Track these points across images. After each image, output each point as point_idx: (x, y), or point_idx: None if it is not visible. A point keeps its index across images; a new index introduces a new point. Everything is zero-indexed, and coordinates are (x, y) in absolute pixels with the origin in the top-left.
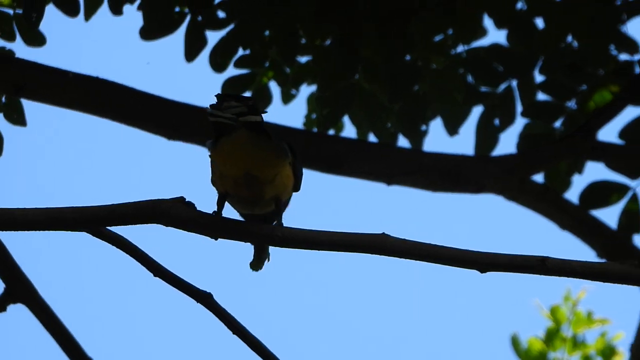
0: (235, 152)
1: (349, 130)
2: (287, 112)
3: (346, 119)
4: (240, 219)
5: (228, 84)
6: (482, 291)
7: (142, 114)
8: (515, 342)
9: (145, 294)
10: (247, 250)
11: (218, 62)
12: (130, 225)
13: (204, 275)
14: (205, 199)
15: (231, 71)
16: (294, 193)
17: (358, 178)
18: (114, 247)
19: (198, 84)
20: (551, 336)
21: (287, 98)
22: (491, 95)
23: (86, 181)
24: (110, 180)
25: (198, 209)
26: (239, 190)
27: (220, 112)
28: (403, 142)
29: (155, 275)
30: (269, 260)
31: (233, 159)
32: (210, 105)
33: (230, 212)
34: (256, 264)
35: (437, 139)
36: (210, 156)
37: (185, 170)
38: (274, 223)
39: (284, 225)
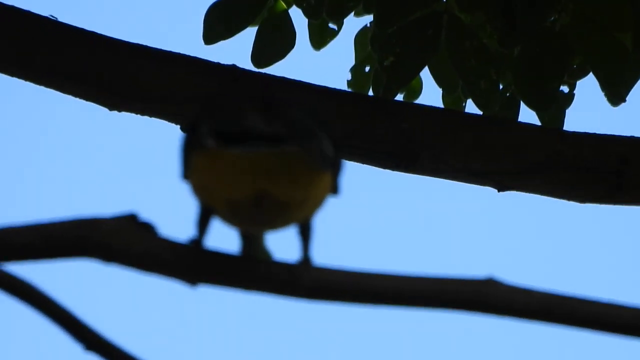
0: (246, 163)
1: (431, 95)
2: (321, 61)
3: (426, 75)
4: (232, 247)
5: (217, 12)
6: None
7: (73, 66)
8: None
9: None
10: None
11: None
12: (42, 262)
13: (168, 333)
14: (174, 215)
15: None
16: (331, 196)
17: (446, 178)
18: (12, 297)
19: (165, 16)
20: None
21: (320, 38)
22: None
23: None
24: (18, 180)
25: (160, 233)
26: (242, 215)
27: None
28: (527, 115)
29: (88, 349)
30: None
31: (238, 172)
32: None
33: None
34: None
35: (586, 111)
36: (192, 156)
37: (139, 163)
38: (297, 257)
39: (313, 261)
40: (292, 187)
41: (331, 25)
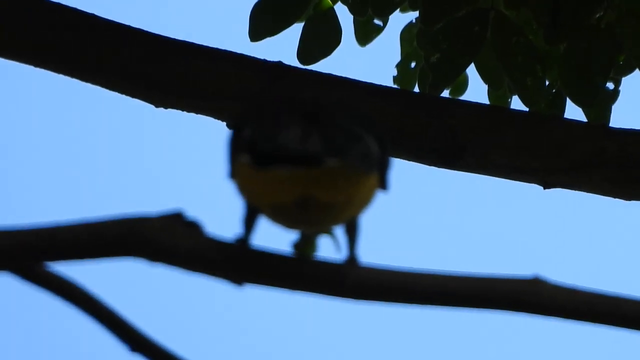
0: (284, 176)
1: (476, 92)
2: (367, 58)
3: (471, 72)
4: (277, 247)
5: (263, 8)
6: None
7: (119, 63)
8: None
9: None
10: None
11: None
12: (88, 262)
13: (213, 333)
14: (220, 211)
15: None
16: (380, 192)
17: (491, 175)
18: (58, 298)
19: (207, 14)
20: None
21: (365, 34)
22: None
23: (20, 180)
24: (60, 178)
25: (207, 232)
26: (288, 216)
27: None
28: (573, 112)
29: (134, 350)
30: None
31: (279, 182)
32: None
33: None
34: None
35: (631, 108)
36: (235, 160)
37: (185, 160)
38: (343, 256)
39: (360, 260)
40: (334, 192)
41: (376, 21)
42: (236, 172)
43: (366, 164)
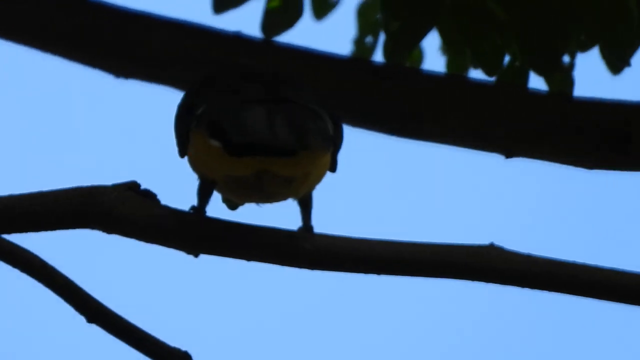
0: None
1: (434, 62)
2: (324, 32)
3: (430, 42)
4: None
5: None
6: None
7: (81, 33)
8: None
9: (72, 350)
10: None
11: None
12: (44, 232)
13: (170, 304)
14: (175, 183)
15: None
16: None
17: (451, 145)
18: (19, 270)
19: None
20: None
21: (322, 8)
22: None
23: None
24: (21, 150)
25: (163, 202)
26: (245, 192)
27: None
28: (534, 81)
29: (89, 321)
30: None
31: (241, 161)
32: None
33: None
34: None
35: (591, 78)
36: (190, 135)
37: (143, 132)
38: (298, 226)
39: (314, 229)
40: (294, 170)
41: None
42: (192, 146)
43: (326, 143)
